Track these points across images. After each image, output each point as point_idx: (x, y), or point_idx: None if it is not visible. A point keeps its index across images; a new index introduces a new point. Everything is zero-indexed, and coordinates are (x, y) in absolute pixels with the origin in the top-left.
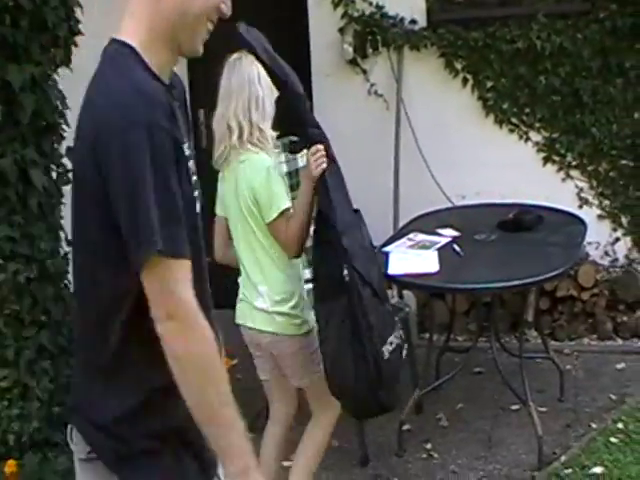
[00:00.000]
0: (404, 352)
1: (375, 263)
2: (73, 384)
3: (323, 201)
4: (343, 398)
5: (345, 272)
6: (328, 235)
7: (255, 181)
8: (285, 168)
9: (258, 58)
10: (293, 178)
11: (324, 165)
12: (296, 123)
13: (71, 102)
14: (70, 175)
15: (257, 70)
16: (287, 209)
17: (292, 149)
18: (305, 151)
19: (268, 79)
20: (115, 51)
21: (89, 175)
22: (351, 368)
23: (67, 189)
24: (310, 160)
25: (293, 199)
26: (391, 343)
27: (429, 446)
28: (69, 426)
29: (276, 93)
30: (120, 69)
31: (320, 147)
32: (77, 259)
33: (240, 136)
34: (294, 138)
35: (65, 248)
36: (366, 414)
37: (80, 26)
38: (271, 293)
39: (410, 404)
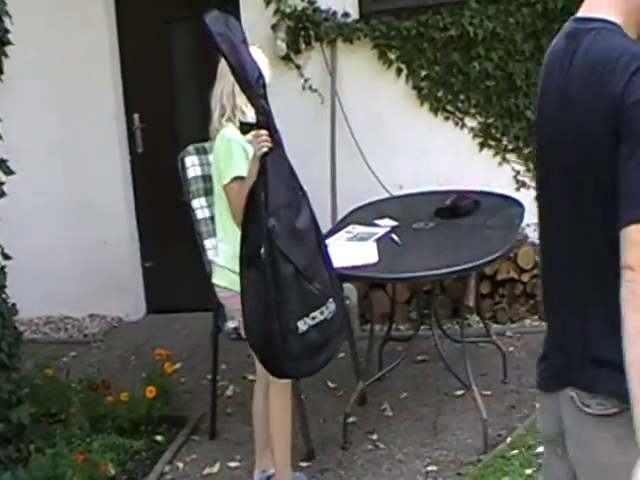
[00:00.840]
0: (334, 326)
1: (305, 245)
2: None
3: (258, 181)
4: (257, 357)
5: (262, 250)
6: (255, 213)
7: (219, 149)
8: None
9: (216, 47)
10: None
11: (265, 148)
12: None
13: (2, 114)
14: (4, 188)
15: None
16: (240, 177)
17: (242, 130)
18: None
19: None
20: (601, 25)
21: (599, 143)
22: (260, 337)
23: (1, 202)
24: (253, 142)
25: None
26: (313, 318)
27: (375, 437)
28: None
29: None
30: (613, 33)
31: (262, 132)
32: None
33: (222, 115)
34: (244, 120)
35: (1, 262)
36: (278, 376)
37: (9, 36)
38: (227, 250)
39: (354, 396)
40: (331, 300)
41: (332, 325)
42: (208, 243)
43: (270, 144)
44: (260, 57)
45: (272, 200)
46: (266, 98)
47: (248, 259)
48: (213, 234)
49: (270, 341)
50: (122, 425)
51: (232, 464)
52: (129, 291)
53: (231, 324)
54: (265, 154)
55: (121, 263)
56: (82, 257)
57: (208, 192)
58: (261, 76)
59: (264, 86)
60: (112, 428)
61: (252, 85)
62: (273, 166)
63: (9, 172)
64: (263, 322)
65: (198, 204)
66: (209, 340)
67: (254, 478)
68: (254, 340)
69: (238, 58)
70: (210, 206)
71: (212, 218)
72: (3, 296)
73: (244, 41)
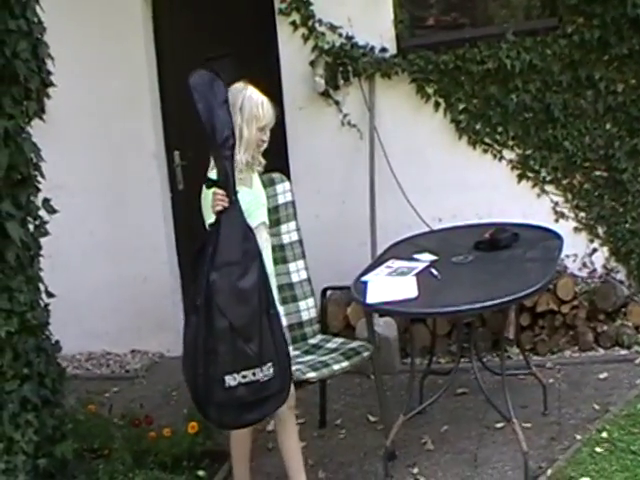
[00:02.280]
0: (270, 389)
1: (247, 305)
2: None
3: (210, 236)
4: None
5: (198, 301)
6: (201, 264)
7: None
8: (290, 197)
9: (194, 106)
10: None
11: (219, 207)
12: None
13: (45, 154)
14: (47, 227)
15: (241, 99)
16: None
17: (207, 185)
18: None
19: (253, 108)
20: None
21: None
22: (189, 377)
23: (44, 241)
24: (212, 200)
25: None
26: (244, 376)
27: (415, 470)
28: None
29: (263, 122)
30: None
31: (219, 191)
32: None
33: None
34: (211, 177)
35: (45, 299)
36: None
37: (52, 78)
38: None
39: (395, 430)
40: (269, 365)
41: (267, 388)
42: None
43: (225, 204)
44: (258, 96)
45: (218, 257)
46: (232, 159)
47: (189, 306)
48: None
49: (195, 384)
50: (164, 460)
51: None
52: (170, 327)
53: None
54: (220, 212)
55: (162, 299)
56: (123, 293)
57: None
58: (229, 138)
59: (232, 148)
60: (154, 463)
61: (218, 146)
62: (225, 225)
63: (52, 211)
64: (192, 365)
65: None
66: None
67: None
68: (186, 378)
69: (210, 117)
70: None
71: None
72: (47, 333)
73: (225, 102)
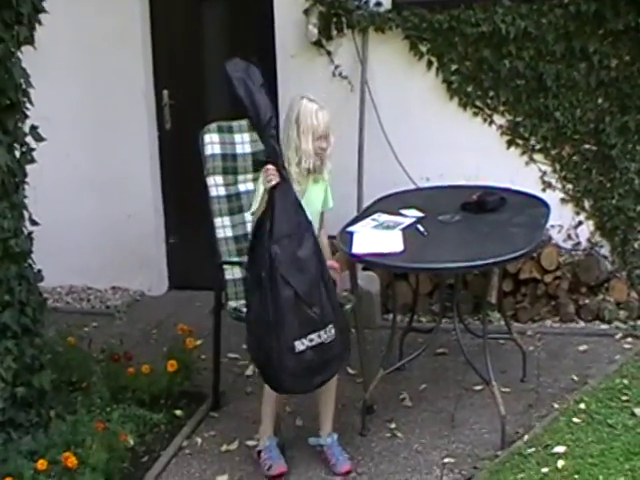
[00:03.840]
0: (333, 351)
1: (307, 272)
2: None
3: (266, 212)
4: (259, 372)
5: (263, 274)
6: (260, 240)
7: None
8: (249, 148)
9: (232, 91)
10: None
11: (273, 182)
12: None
13: (34, 80)
14: (33, 154)
15: (297, 110)
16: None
17: (255, 167)
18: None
19: (308, 119)
20: None
21: None
22: (260, 352)
23: (30, 168)
24: (262, 176)
25: (255, 179)
26: (311, 340)
27: (393, 425)
28: None
29: (319, 131)
30: None
31: (270, 167)
32: None
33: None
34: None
35: (29, 227)
36: (277, 390)
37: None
38: None
39: (374, 384)
40: (331, 326)
41: (331, 349)
42: (218, 221)
43: (277, 179)
44: (313, 105)
45: (276, 230)
46: (277, 137)
47: (253, 282)
48: (225, 213)
49: (268, 357)
50: (142, 397)
51: (250, 442)
52: (152, 266)
53: (233, 304)
54: (273, 187)
55: (145, 238)
56: (106, 229)
57: (227, 171)
58: (272, 118)
59: (276, 127)
60: (132, 400)
61: (263, 126)
62: (279, 199)
63: (40, 139)
64: (263, 339)
65: (212, 182)
66: (230, 319)
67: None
68: (255, 355)
69: (252, 101)
70: (227, 185)
71: (227, 197)
72: (29, 261)
73: (262, 85)
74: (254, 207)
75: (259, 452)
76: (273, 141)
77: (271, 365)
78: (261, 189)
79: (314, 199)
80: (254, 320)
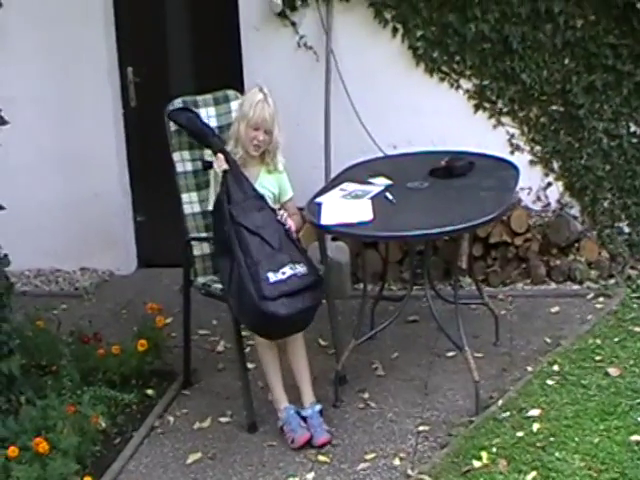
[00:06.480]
0: (306, 283)
1: (267, 227)
2: None
3: (221, 189)
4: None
5: (226, 228)
6: (220, 210)
7: None
8: (215, 122)
9: (177, 123)
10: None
11: (225, 166)
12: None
13: None
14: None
15: (245, 97)
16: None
17: (203, 167)
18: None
19: (245, 107)
20: None
21: None
22: (238, 293)
23: None
24: (215, 165)
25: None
26: (283, 273)
27: (366, 395)
28: None
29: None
30: None
31: (220, 156)
32: None
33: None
34: (207, 159)
35: None
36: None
37: None
38: None
39: (346, 355)
40: (302, 264)
41: (303, 279)
42: (185, 197)
43: (226, 165)
44: (257, 98)
45: (233, 198)
46: (220, 137)
47: (220, 244)
48: (192, 188)
49: (245, 290)
50: (113, 378)
51: (223, 419)
52: (120, 245)
53: (202, 279)
54: (225, 172)
55: (112, 217)
56: (73, 210)
57: (192, 146)
58: (212, 128)
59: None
60: (103, 381)
61: (204, 134)
62: (232, 180)
63: (2, 122)
64: (243, 290)
65: (179, 157)
66: (199, 295)
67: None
68: (239, 309)
69: (192, 122)
70: (193, 160)
71: (193, 172)
72: None
73: (198, 116)
74: (212, 201)
75: (281, 428)
76: (216, 139)
77: (253, 303)
78: (212, 182)
79: (267, 185)
80: (232, 279)
